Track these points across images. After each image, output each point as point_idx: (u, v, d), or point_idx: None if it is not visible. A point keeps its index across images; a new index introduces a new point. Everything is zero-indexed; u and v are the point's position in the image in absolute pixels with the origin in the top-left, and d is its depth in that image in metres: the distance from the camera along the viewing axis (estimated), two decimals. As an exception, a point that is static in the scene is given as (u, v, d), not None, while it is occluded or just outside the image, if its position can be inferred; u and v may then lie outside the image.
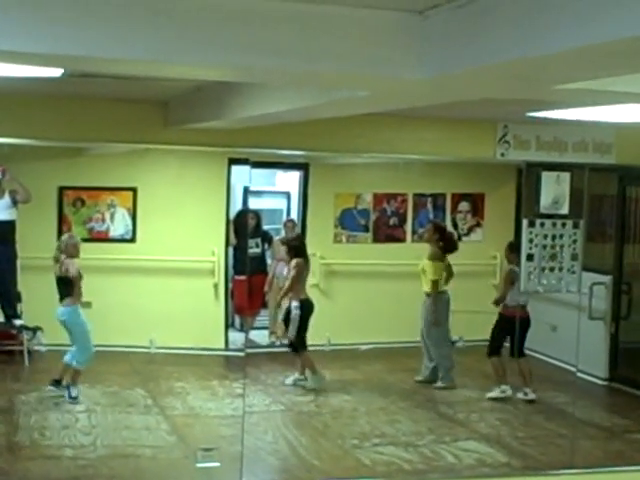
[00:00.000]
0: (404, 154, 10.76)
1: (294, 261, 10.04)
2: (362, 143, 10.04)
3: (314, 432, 8.78)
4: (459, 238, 12.97)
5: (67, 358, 9.10)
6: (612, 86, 4.78)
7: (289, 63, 4.28)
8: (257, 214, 12.28)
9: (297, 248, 10.23)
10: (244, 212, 12.16)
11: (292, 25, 4.22)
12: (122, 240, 11.40)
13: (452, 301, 12.41)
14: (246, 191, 12.47)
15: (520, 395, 10.20)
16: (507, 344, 10.38)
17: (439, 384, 10.51)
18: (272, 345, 12.00)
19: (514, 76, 4.34)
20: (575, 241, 10.90)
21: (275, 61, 4.25)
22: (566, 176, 10.88)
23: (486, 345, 12.00)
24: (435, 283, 10.53)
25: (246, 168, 11.54)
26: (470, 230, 13.00)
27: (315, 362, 10.06)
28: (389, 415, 9.40)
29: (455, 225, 12.92)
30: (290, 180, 13.43)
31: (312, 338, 10.98)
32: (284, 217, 13.34)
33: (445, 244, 10.78)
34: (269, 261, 12.32)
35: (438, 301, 10.59)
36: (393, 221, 12.68)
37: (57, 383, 9.22)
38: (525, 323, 10.41)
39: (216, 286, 11.50)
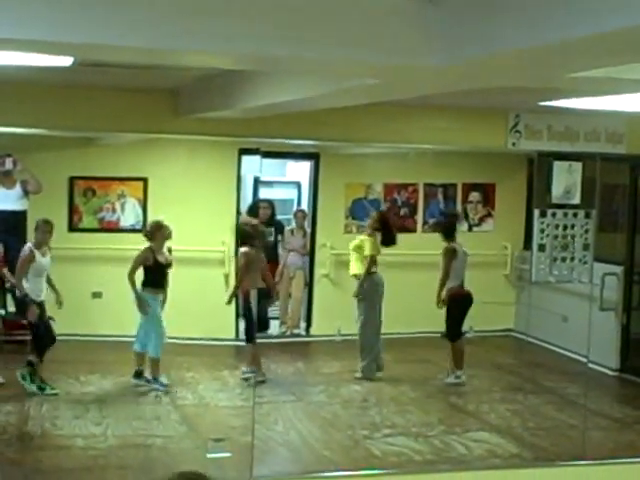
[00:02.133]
0: (415, 144, 10.71)
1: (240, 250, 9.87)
2: (373, 132, 10.00)
3: (324, 423, 8.78)
4: (470, 228, 12.94)
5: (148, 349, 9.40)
6: (626, 74, 4.74)
7: (299, 51, 4.25)
8: (272, 204, 12.26)
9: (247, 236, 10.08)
10: (258, 202, 12.14)
11: (301, 12, 4.19)
12: (132, 230, 11.39)
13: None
14: (257, 181, 12.46)
15: (451, 379, 10.22)
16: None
17: (358, 374, 10.16)
18: (283, 335, 12.00)
19: (527, 63, 4.31)
20: (587, 231, 10.85)
21: (285, 49, 4.22)
22: (578, 166, 10.83)
23: (496, 335, 12.08)
24: (372, 259, 10.23)
25: (256, 158, 11.52)
26: (481, 220, 12.96)
27: (325, 352, 10.05)
28: (399, 405, 9.38)
29: (466, 215, 12.88)
30: (301, 170, 13.41)
31: (323, 328, 10.97)
32: (294, 207, 13.32)
33: (384, 237, 10.56)
34: (281, 251, 12.31)
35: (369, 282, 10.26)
36: (404, 211, 12.65)
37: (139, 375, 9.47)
38: (470, 301, 10.36)
39: (227, 276, 11.49)
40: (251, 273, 9.77)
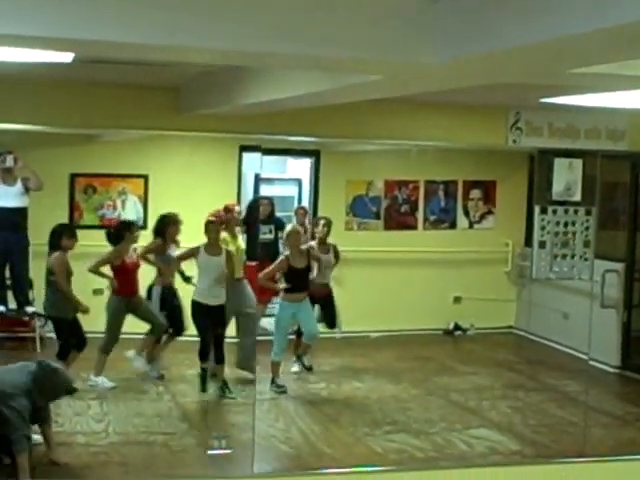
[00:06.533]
0: (416, 140, 10.71)
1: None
2: (373, 129, 10.00)
3: (325, 419, 8.77)
4: (471, 225, 12.94)
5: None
6: (627, 70, 4.74)
7: (302, 48, 4.25)
8: (272, 201, 12.24)
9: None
10: (258, 199, 12.12)
11: (305, 9, 4.19)
12: (133, 227, 11.39)
13: (462, 288, 12.49)
14: (257, 178, 12.44)
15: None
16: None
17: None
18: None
19: (528, 60, 4.31)
20: (587, 228, 10.84)
21: (288, 46, 4.22)
22: (578, 163, 10.81)
23: (497, 332, 12.09)
24: None
25: (257, 155, 11.49)
26: (482, 217, 12.96)
27: (325, 349, 10.06)
28: (400, 403, 9.38)
29: (467, 212, 12.89)
30: (301, 167, 13.40)
31: (323, 325, 10.90)
32: (295, 204, 13.31)
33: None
34: (281, 249, 12.28)
35: None
36: (404, 208, 12.65)
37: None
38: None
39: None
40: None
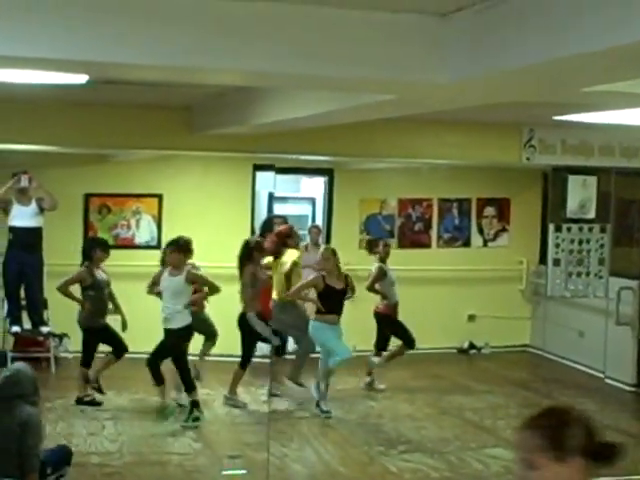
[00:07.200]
0: (429, 159, 10.72)
1: None
2: (387, 148, 10.02)
3: (340, 439, 8.74)
4: (485, 243, 12.92)
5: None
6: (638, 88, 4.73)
7: (314, 68, 4.27)
8: (286, 220, 12.27)
9: None
10: (272, 218, 12.14)
11: (317, 30, 4.21)
12: (147, 247, 11.42)
13: (477, 306, 12.42)
14: (271, 197, 12.47)
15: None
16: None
17: None
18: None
19: (539, 79, 4.31)
20: (602, 246, 10.81)
21: (300, 66, 4.24)
22: (592, 180, 10.80)
23: (512, 351, 12.03)
24: None
25: (271, 174, 11.55)
26: (496, 235, 12.93)
27: (340, 369, 9.99)
28: (415, 422, 9.34)
29: (481, 230, 12.86)
30: (315, 186, 13.42)
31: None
32: (309, 223, 13.33)
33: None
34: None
35: None
36: (418, 226, 12.64)
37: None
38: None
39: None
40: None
